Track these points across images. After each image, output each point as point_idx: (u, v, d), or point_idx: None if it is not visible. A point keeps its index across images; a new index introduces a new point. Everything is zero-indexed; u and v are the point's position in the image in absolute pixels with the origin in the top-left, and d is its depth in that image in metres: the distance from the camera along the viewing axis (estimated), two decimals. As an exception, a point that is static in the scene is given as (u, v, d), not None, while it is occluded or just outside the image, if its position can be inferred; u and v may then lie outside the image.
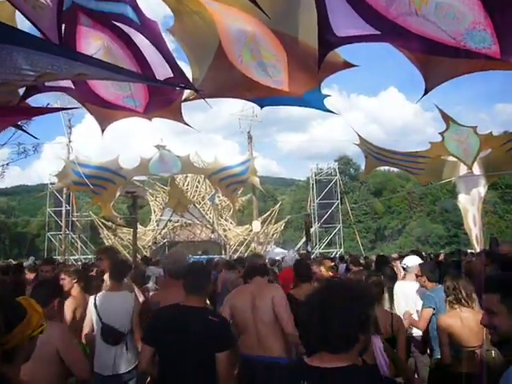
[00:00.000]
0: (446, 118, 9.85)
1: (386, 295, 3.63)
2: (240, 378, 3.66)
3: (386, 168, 37.36)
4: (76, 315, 3.74)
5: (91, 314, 3.56)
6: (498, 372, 1.62)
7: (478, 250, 11.43)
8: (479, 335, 3.00)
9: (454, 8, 3.90)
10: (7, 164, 13.80)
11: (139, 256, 17.75)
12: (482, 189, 12.92)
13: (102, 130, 7.16)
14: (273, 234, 26.73)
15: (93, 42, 5.29)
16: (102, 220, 25.03)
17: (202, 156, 21.63)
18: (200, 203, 27.10)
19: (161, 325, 2.66)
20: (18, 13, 4.35)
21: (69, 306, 3.71)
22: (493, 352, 2.61)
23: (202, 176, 24.44)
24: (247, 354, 3.55)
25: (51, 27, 4.24)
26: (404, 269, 5.12)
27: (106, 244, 23.84)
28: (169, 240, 27.44)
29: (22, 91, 4.70)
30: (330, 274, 5.64)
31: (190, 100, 6.29)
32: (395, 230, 52.78)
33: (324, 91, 6.00)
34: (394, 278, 5.04)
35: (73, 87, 5.89)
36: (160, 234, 27.44)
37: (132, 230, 16.43)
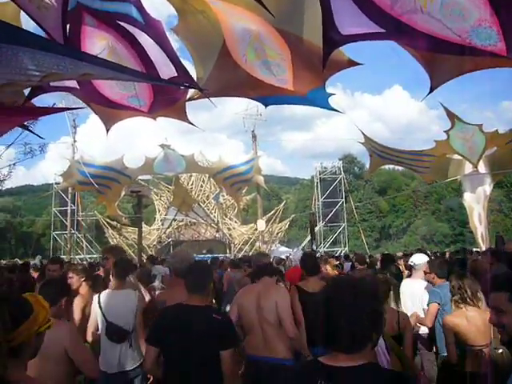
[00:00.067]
0: (452, 116, 9.79)
1: (392, 293, 3.61)
2: (245, 379, 3.66)
3: (391, 166, 37.26)
4: (85, 313, 3.76)
5: (95, 312, 3.58)
6: (506, 371, 1.61)
7: (483, 249, 11.38)
8: (486, 334, 2.98)
9: (459, 5, 3.88)
10: (14, 164, 13.87)
11: (144, 255, 17.83)
12: (487, 187, 12.86)
13: (107, 130, 7.19)
14: (277, 233, 26.72)
15: (97, 42, 5.31)
16: (107, 219, 25.14)
17: (207, 155, 21.68)
18: (204, 202, 27.16)
19: (164, 325, 2.67)
20: (22, 13, 4.36)
21: (78, 305, 3.73)
22: (501, 350, 2.59)
23: (207, 175, 24.48)
24: (253, 354, 3.55)
25: (56, 27, 4.26)
26: (411, 267, 5.11)
27: (111, 243, 23.95)
28: (173, 239, 27.54)
29: (26, 91, 4.72)
30: (336, 272, 5.63)
31: (194, 99, 6.30)
32: (400, 228, 52.58)
33: (328, 90, 5.98)
34: (399, 276, 5.02)
35: (78, 87, 5.91)
36: (165, 233, 27.53)
37: (137, 229, 16.51)
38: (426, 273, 4.54)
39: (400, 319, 3.29)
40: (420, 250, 9.32)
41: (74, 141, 22.23)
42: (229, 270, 8.47)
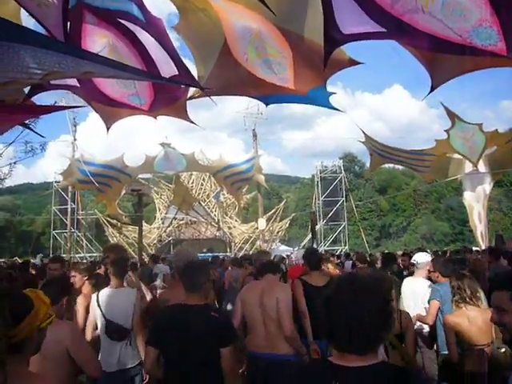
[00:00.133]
0: (452, 116, 9.80)
1: (393, 292, 3.61)
2: (247, 376, 3.67)
3: (391, 165, 37.17)
4: (88, 312, 3.76)
5: (94, 311, 3.58)
6: (509, 370, 1.60)
7: (483, 247, 11.40)
8: (487, 333, 2.99)
9: (460, 5, 3.88)
10: (15, 163, 13.86)
11: (145, 254, 17.84)
12: (487, 186, 12.88)
13: (108, 128, 7.18)
14: (278, 232, 26.73)
15: (98, 40, 5.30)
16: (108, 218, 25.14)
17: (207, 154, 21.66)
18: (205, 201, 27.15)
19: (163, 325, 2.67)
20: (22, 10, 4.36)
21: (81, 304, 3.73)
22: (503, 349, 2.60)
23: (207, 174, 24.46)
24: (255, 351, 3.57)
25: (57, 25, 4.25)
26: (412, 265, 5.12)
27: (112, 242, 23.96)
28: (174, 238, 27.53)
29: (26, 89, 4.71)
30: (338, 271, 5.63)
31: (195, 98, 6.30)
32: (400, 227, 52.59)
33: (328, 88, 5.99)
34: (401, 274, 5.03)
35: (78, 85, 5.90)
36: (165, 231, 27.52)
37: (137, 227, 16.52)
38: (429, 271, 4.54)
39: (402, 318, 3.30)
40: (420, 249, 9.33)
41: (75, 139, 22.20)
42: (230, 268, 8.49)
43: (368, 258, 8.89)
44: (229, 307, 5.74)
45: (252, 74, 5.77)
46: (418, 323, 4.29)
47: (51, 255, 25.25)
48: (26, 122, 6.46)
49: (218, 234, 27.78)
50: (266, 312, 3.55)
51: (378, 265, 7.74)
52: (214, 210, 27.50)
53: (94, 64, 2.95)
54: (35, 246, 39.09)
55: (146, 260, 13.68)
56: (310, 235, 21.37)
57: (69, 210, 25.24)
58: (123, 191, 19.14)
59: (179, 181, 24.63)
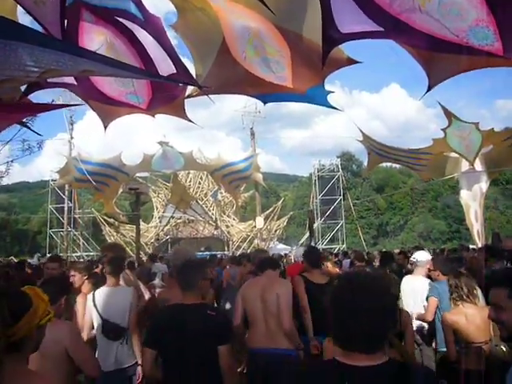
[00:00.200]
0: (449, 115, 9.83)
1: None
2: (247, 373, 3.67)
3: (388, 164, 37.34)
4: None
5: (90, 311, 3.57)
6: (507, 367, 1.61)
7: (479, 245, 11.45)
8: (485, 331, 3.01)
9: (457, 5, 3.90)
10: (12, 161, 13.79)
11: (142, 253, 17.82)
12: (483, 185, 12.93)
13: (105, 127, 7.16)
14: (276, 230, 26.75)
15: (95, 38, 5.28)
16: (105, 217, 25.07)
17: (205, 152, 21.63)
18: (203, 199, 27.12)
19: (160, 326, 2.67)
20: (19, 7, 4.33)
21: (81, 303, 3.72)
22: (502, 347, 2.62)
23: (205, 172, 24.44)
24: (255, 347, 3.58)
25: (54, 22, 4.23)
26: (412, 264, 5.15)
27: (109, 241, 23.91)
28: (171, 236, 27.50)
29: (23, 87, 4.69)
30: (337, 269, 5.66)
31: (193, 96, 6.29)
32: (397, 225, 52.77)
33: (326, 87, 5.99)
34: (400, 273, 5.05)
35: (75, 83, 5.88)
36: (163, 230, 27.49)
37: (135, 226, 16.49)
38: (430, 270, 4.56)
39: (402, 317, 3.32)
40: (417, 248, 9.37)
41: (72, 137, 22.12)
42: (228, 266, 8.51)
43: (365, 257, 8.92)
44: (227, 306, 5.74)
45: (250, 73, 5.76)
46: (419, 322, 4.31)
47: (48, 254, 25.20)
48: (24, 120, 6.43)
49: (215, 232, 27.78)
50: (267, 308, 3.57)
51: (376, 263, 7.78)
52: (211, 208, 27.48)
53: (92, 62, 2.94)
54: (31, 245, 38.97)
55: (144, 259, 13.68)
56: (307, 234, 21.41)
57: (65, 208, 25.15)
58: (121, 190, 19.09)
59: (177, 179, 24.58)
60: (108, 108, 6.72)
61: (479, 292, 3.49)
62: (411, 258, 5.29)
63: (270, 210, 26.60)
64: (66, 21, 4.44)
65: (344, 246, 27.67)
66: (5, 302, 1.36)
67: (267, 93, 6.36)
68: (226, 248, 26.73)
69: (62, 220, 25.61)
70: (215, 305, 6.00)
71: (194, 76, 5.70)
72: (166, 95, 6.26)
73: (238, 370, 3.85)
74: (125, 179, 17.64)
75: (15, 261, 13.43)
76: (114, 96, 6.37)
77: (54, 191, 26.35)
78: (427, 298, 4.13)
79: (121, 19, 5.11)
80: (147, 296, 4.46)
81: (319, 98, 6.23)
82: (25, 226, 49.67)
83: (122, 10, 5.01)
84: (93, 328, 3.57)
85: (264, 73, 5.76)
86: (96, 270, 5.26)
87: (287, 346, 3.52)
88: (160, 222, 27.98)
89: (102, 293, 3.62)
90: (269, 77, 5.80)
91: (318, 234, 27.23)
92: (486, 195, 13.59)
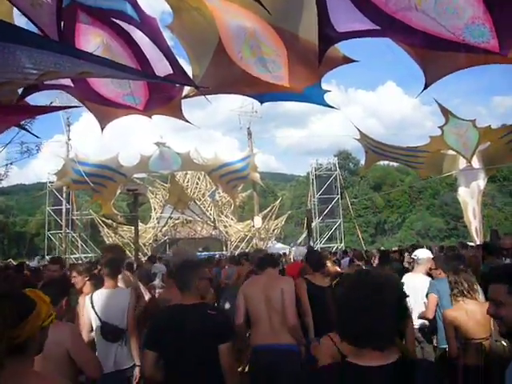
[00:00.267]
0: (445, 112, 9.87)
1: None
2: (250, 372, 3.67)
3: (386, 162, 37.34)
4: None
5: (88, 313, 3.56)
6: (508, 362, 1.62)
7: (478, 242, 11.49)
8: (486, 327, 3.02)
9: (453, 3, 3.92)
10: (11, 163, 13.79)
11: (141, 254, 17.79)
12: (481, 182, 12.98)
13: (102, 129, 7.15)
14: (274, 230, 26.77)
15: (92, 40, 5.28)
16: (103, 218, 25.02)
17: (202, 152, 21.61)
18: (200, 200, 27.11)
19: (160, 328, 2.66)
20: (15, 9, 4.32)
21: (82, 304, 3.71)
22: (502, 342, 2.63)
23: (202, 172, 24.42)
24: (259, 344, 3.58)
25: (50, 24, 4.23)
26: (410, 262, 5.18)
27: (107, 242, 23.86)
28: (170, 237, 27.47)
29: (20, 90, 4.67)
30: (337, 268, 5.67)
31: (190, 97, 6.30)
32: (395, 223, 52.88)
33: (322, 86, 6.00)
34: (402, 271, 5.06)
35: (72, 85, 5.87)
36: (161, 231, 27.46)
37: (133, 227, 16.46)
38: (431, 269, 4.57)
39: None
40: (415, 246, 9.39)
41: (69, 139, 22.06)
42: (227, 267, 8.52)
43: (364, 255, 8.96)
44: (227, 306, 5.74)
45: (247, 73, 5.77)
46: (421, 320, 4.33)
47: (46, 256, 25.13)
48: (22, 122, 6.41)
49: (213, 232, 27.77)
50: (271, 305, 3.58)
51: (375, 261, 7.80)
52: (209, 208, 27.47)
53: (90, 64, 2.94)
54: (29, 247, 38.84)
55: (143, 260, 13.67)
56: (305, 233, 21.44)
57: (63, 210, 25.08)
58: (118, 191, 19.06)
59: (174, 180, 24.56)
60: (105, 109, 6.72)
61: (479, 287, 3.50)
62: (412, 256, 5.31)
63: (268, 209, 26.61)
64: (62, 22, 4.45)
65: (342, 244, 27.69)
66: (9, 305, 1.37)
67: (264, 92, 6.38)
68: (224, 248, 26.73)
69: (60, 222, 25.53)
70: (215, 305, 6.00)
71: (191, 76, 5.70)
72: (163, 96, 6.27)
73: (239, 369, 3.85)
74: (122, 180, 17.62)
75: (14, 263, 13.37)
76: (111, 97, 6.37)
77: (51, 193, 26.26)
78: (427, 296, 4.16)
79: (117, 20, 5.11)
80: (147, 297, 4.45)
81: (316, 96, 6.24)
82: (22, 228, 49.51)
83: (118, 11, 5.00)
84: (92, 330, 3.57)
85: (260, 72, 5.77)
86: (95, 272, 5.26)
87: (290, 342, 3.55)
88: (158, 222, 27.94)
89: (100, 295, 3.61)
90: (265, 76, 5.81)
91: (316, 232, 27.27)
92: (483, 192, 13.65)
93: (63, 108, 12.34)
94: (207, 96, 6.04)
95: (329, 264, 5.45)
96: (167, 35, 5.53)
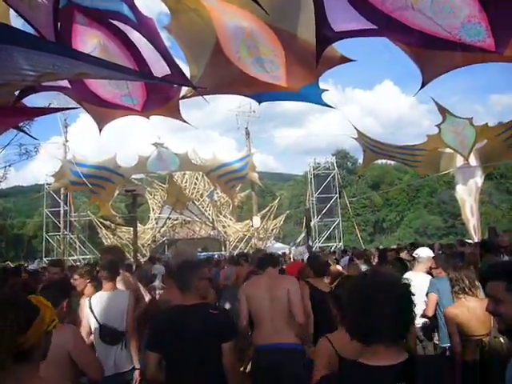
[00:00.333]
0: (443, 111, 9.90)
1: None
2: (253, 372, 3.66)
3: (384, 161, 37.50)
4: None
5: (87, 316, 3.55)
6: (506, 359, 1.63)
7: (476, 240, 11.53)
8: (486, 323, 3.03)
9: (449, 2, 3.94)
10: (9, 165, 13.77)
11: (139, 255, 17.75)
12: (478, 179, 13.03)
13: (100, 130, 7.14)
14: (272, 230, 26.76)
15: (89, 41, 5.27)
16: (101, 219, 24.96)
17: (200, 153, 21.62)
18: (199, 200, 27.08)
19: (162, 329, 2.66)
20: (11, 10, 4.30)
21: (84, 306, 3.70)
22: (501, 339, 2.64)
23: (200, 173, 24.41)
24: (262, 344, 3.57)
25: (47, 25, 4.22)
26: (414, 259, 5.20)
27: (105, 243, 23.80)
28: (168, 238, 27.43)
29: (17, 91, 4.66)
30: (337, 267, 5.68)
31: (188, 97, 6.29)
32: (393, 222, 53.00)
33: (319, 86, 6.01)
34: (405, 270, 5.08)
35: (69, 86, 5.86)
36: (159, 232, 27.41)
37: (132, 228, 16.43)
38: (431, 268, 4.58)
39: None
40: (413, 244, 9.42)
41: (66, 140, 22.01)
42: (226, 267, 8.53)
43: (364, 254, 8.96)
44: (226, 306, 5.75)
45: (244, 73, 5.77)
46: (423, 319, 4.34)
47: (44, 258, 25.09)
48: (21, 124, 6.40)
49: (212, 233, 27.73)
50: (275, 304, 3.58)
51: (374, 260, 7.82)
52: (208, 209, 27.44)
53: (87, 65, 2.94)
54: (27, 249, 38.72)
55: (142, 261, 13.65)
56: (304, 232, 21.44)
57: (61, 212, 25.02)
58: (116, 192, 19.03)
59: (172, 180, 24.54)
60: (103, 111, 6.71)
61: (479, 284, 3.51)
62: (413, 254, 5.33)
63: (267, 209, 26.60)
64: (59, 24, 4.44)
65: (341, 243, 27.72)
66: (13, 312, 1.38)
67: (262, 92, 6.38)
68: (223, 248, 26.71)
69: (58, 224, 25.46)
70: (216, 305, 6.00)
71: (189, 77, 5.70)
72: (161, 97, 6.26)
73: (240, 369, 3.85)
74: (120, 181, 17.59)
75: (11, 266, 13.33)
76: (109, 98, 6.36)
77: (49, 195, 26.20)
78: (427, 294, 4.17)
79: (114, 21, 5.10)
80: (147, 298, 4.45)
81: (313, 96, 6.25)
82: (20, 230, 49.34)
83: (115, 11, 5.00)
84: (91, 333, 3.56)
85: (258, 72, 5.78)
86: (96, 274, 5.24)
87: (294, 341, 3.55)
88: (156, 223, 27.89)
89: (98, 297, 3.60)
90: (263, 76, 5.82)
91: (315, 232, 27.29)
92: (480, 190, 13.70)
93: (62, 110, 12.31)
94: (205, 96, 6.04)
95: (329, 263, 5.45)
96: (164, 36, 5.54)
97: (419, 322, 4.36)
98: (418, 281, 4.64)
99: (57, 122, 22.28)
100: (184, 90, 6.28)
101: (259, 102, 6.82)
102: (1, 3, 4.17)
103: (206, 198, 27.13)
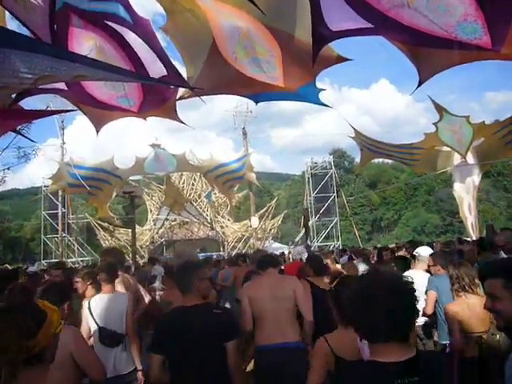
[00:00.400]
0: (440, 109, 9.92)
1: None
2: (256, 372, 3.66)
3: (381, 160, 37.49)
4: None
5: (87, 318, 3.54)
6: (504, 355, 1.64)
7: (474, 238, 11.56)
8: (486, 321, 3.04)
9: (445, 0, 3.95)
10: (8, 168, 13.75)
11: (138, 256, 17.72)
12: (476, 177, 13.06)
13: (97, 131, 7.13)
14: (270, 229, 26.79)
15: (85, 43, 5.26)
16: (99, 221, 24.92)
17: (197, 153, 21.60)
18: (196, 201, 27.08)
19: (165, 331, 2.66)
20: (7, 13, 4.29)
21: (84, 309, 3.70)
22: (498, 336, 2.65)
23: (198, 173, 24.40)
24: (265, 344, 3.56)
25: (43, 28, 4.21)
26: (414, 257, 5.23)
27: (104, 245, 23.77)
28: (166, 239, 27.41)
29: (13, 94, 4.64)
30: (337, 266, 5.68)
31: (184, 98, 6.29)
32: (391, 220, 53.11)
33: (316, 85, 6.03)
34: (407, 269, 5.10)
35: (66, 89, 5.85)
36: (157, 233, 27.39)
37: (130, 230, 16.39)
38: (429, 266, 4.60)
39: None
40: (412, 242, 9.44)
41: (63, 142, 21.95)
42: (225, 268, 8.52)
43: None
44: (226, 305, 5.75)
45: (241, 73, 5.78)
46: (423, 318, 4.35)
47: (43, 261, 25.02)
48: (19, 127, 6.38)
49: (210, 233, 27.73)
50: (279, 304, 3.58)
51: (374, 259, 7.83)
52: (206, 209, 27.44)
53: (85, 67, 2.93)
54: (25, 252, 38.59)
55: (141, 262, 13.62)
56: (302, 232, 21.46)
57: (59, 214, 24.96)
58: (114, 194, 19.00)
59: (170, 181, 24.51)
60: (100, 112, 6.70)
61: (479, 281, 3.52)
62: (414, 253, 5.35)
63: (264, 209, 26.63)
64: (55, 26, 4.43)
65: (339, 242, 27.77)
66: (23, 317, 1.42)
67: (259, 92, 6.39)
68: (221, 249, 26.72)
69: (56, 226, 25.41)
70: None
71: (185, 78, 5.70)
72: (158, 98, 6.26)
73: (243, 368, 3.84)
74: (118, 183, 17.55)
75: (10, 268, 13.27)
76: (105, 100, 6.35)
77: (46, 197, 26.13)
78: (426, 292, 4.18)
79: (110, 23, 5.10)
80: (147, 299, 4.44)
81: (311, 96, 6.27)
82: (18, 233, 49.19)
83: (111, 13, 4.99)
84: (91, 336, 3.55)
85: (255, 73, 5.79)
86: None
87: (298, 340, 3.57)
88: (154, 224, 27.87)
89: (97, 300, 3.60)
90: (260, 76, 5.82)
91: (313, 231, 27.31)
92: (478, 188, 13.74)
93: (60, 112, 12.29)
94: (202, 97, 6.05)
95: (329, 262, 5.46)
96: (160, 37, 5.54)
97: (420, 320, 4.38)
98: (418, 279, 4.65)
99: (53, 124, 22.20)
100: (181, 90, 6.28)
101: (256, 102, 6.82)
102: (-4, 5, 4.16)
103: (203, 199, 27.13)
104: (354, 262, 6.92)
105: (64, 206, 25.26)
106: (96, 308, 3.53)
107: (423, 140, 11.65)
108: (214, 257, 17.01)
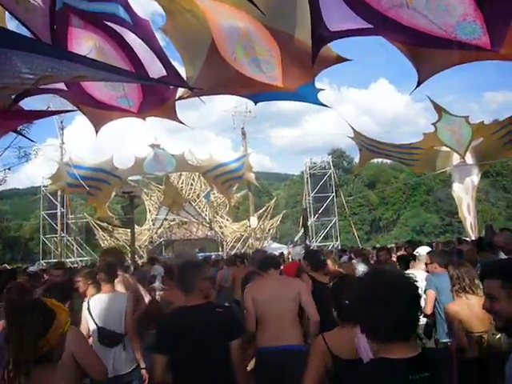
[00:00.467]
0: (439, 109, 9.93)
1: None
2: (257, 373, 3.65)
3: (379, 160, 37.49)
4: None
5: (86, 318, 3.54)
6: (504, 355, 1.65)
7: (473, 238, 11.58)
8: (485, 321, 3.05)
9: (444, 0, 3.95)
10: (9, 168, 13.76)
11: (137, 256, 17.71)
12: (475, 177, 13.08)
13: (97, 132, 7.13)
14: (269, 229, 26.80)
15: (84, 43, 5.26)
16: (98, 221, 24.91)
17: (196, 153, 21.60)
18: (195, 201, 27.08)
19: (167, 331, 2.66)
20: (7, 13, 4.29)
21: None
22: (498, 336, 2.66)
23: (197, 173, 24.40)
24: (267, 346, 3.54)
25: (43, 28, 4.21)
26: (414, 257, 5.25)
27: (103, 245, 23.77)
28: (165, 239, 27.40)
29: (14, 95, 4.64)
30: (336, 266, 5.67)
31: (184, 98, 6.30)
32: (390, 220, 53.15)
33: (315, 85, 6.04)
34: (407, 267, 5.11)
35: (66, 89, 5.85)
36: (156, 233, 27.38)
37: (130, 230, 16.39)
38: (426, 264, 4.61)
39: None
40: (410, 242, 9.46)
41: (62, 142, 21.94)
42: (224, 268, 8.51)
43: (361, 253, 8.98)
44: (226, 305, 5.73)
45: (240, 73, 5.78)
46: (424, 318, 4.36)
47: (41, 261, 25.00)
48: (20, 127, 6.38)
49: (209, 233, 27.73)
50: (282, 305, 3.58)
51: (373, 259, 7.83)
52: (204, 209, 27.45)
53: (85, 67, 2.94)
54: (24, 251, 38.56)
55: (140, 262, 13.61)
56: (301, 232, 21.47)
57: (58, 214, 24.95)
58: (113, 194, 19.00)
59: (169, 181, 24.52)
60: (99, 113, 6.70)
61: (480, 282, 3.53)
62: (414, 252, 5.37)
63: (263, 209, 26.64)
64: (55, 26, 4.43)
65: (338, 242, 27.78)
66: (32, 317, 1.44)
67: (258, 92, 6.39)
68: (220, 249, 26.72)
69: (55, 226, 25.39)
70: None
71: (185, 78, 5.70)
72: (157, 98, 6.27)
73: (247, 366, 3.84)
74: (117, 183, 17.55)
75: (8, 268, 13.26)
76: (105, 100, 6.35)
77: (45, 197, 26.11)
78: (425, 292, 4.19)
79: (109, 23, 5.10)
80: (147, 299, 4.44)
81: (310, 96, 6.28)
82: (17, 233, 49.14)
83: (111, 14, 4.99)
84: (90, 335, 3.55)
85: (254, 73, 5.79)
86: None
87: (300, 341, 3.57)
88: (153, 224, 27.86)
89: (97, 300, 3.59)
90: (259, 77, 5.83)
91: (312, 231, 27.32)
92: (477, 188, 13.76)
93: (60, 112, 12.28)
94: (201, 97, 6.05)
95: (329, 262, 5.45)
96: (159, 37, 5.54)
97: (421, 320, 4.39)
98: (418, 278, 4.66)
99: (53, 125, 22.19)
100: (180, 91, 6.29)
101: (255, 103, 6.82)
102: (-4, 5, 4.16)
103: (202, 199, 27.13)
104: (353, 261, 6.93)
105: (63, 206, 25.25)
106: (95, 308, 3.53)
107: (422, 140, 11.66)
108: (213, 257, 17.01)
